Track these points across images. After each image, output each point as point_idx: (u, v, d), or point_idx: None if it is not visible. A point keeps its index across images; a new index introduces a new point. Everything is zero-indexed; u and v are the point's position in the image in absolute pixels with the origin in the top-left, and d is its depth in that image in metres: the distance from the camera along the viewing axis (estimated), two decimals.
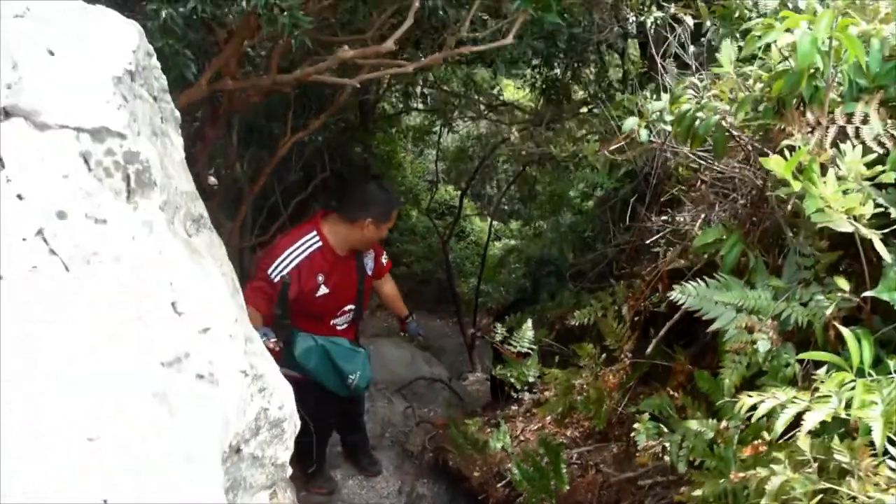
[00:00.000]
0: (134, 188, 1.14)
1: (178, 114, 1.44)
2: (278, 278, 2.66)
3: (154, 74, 1.36)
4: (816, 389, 1.43)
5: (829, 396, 1.39)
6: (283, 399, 1.27)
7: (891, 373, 1.60)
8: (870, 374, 1.60)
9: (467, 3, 2.50)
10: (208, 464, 1.02)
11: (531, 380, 3.63)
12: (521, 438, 3.36)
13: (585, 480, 2.82)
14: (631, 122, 2.64)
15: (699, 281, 1.99)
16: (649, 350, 2.70)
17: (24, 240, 1.08)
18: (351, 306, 3.02)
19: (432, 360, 6.07)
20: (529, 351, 3.62)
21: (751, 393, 1.52)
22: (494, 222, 11.41)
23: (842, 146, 1.66)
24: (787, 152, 1.85)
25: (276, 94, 3.52)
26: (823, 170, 1.74)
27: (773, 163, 1.72)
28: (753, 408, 1.51)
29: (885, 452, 1.27)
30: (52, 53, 1.15)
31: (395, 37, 2.25)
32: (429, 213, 10.30)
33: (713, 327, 1.93)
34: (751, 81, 2.21)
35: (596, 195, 4.76)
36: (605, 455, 2.88)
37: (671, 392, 2.81)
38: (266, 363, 1.24)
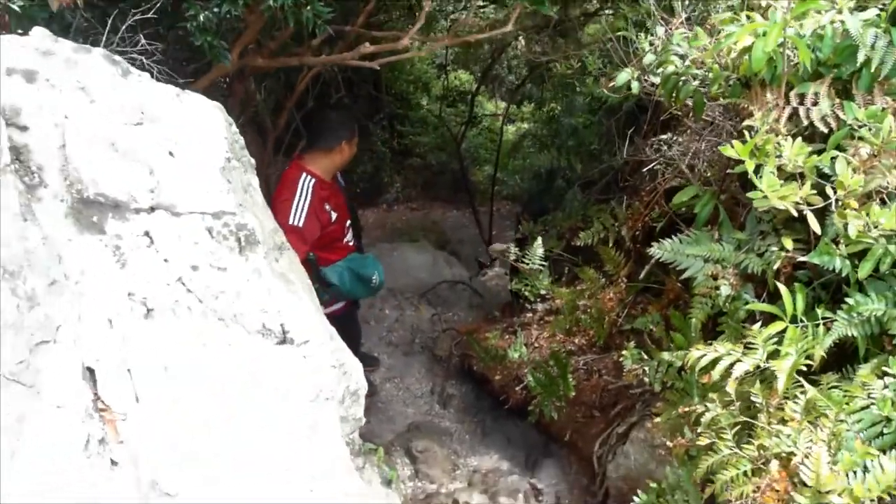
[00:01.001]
0: (244, 246, 1.66)
1: (253, 161, 1.92)
2: (302, 222, 3.18)
3: (236, 140, 1.83)
4: (748, 342, 1.98)
5: (757, 349, 1.94)
6: (357, 376, 1.84)
7: (818, 320, 2.13)
8: (802, 321, 2.14)
9: None
10: (329, 430, 1.61)
11: (543, 292, 4.22)
12: (536, 345, 3.99)
13: (590, 384, 3.46)
14: (623, 77, 3.02)
15: (673, 237, 2.49)
16: (642, 275, 3.23)
17: (167, 284, 1.63)
18: (349, 221, 3.60)
19: (452, 261, 6.66)
20: (541, 266, 4.18)
21: (699, 346, 2.06)
22: (505, 104, 11.63)
23: (781, 141, 2.09)
24: (746, 133, 2.29)
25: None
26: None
27: (732, 150, 2.17)
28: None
29: (790, 394, 1.83)
30: (172, 155, 1.64)
31: (411, 33, 2.62)
32: (442, 102, 10.55)
33: (684, 276, 2.45)
34: (724, 55, 2.57)
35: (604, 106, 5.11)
36: (607, 362, 3.50)
37: (663, 310, 3.39)
38: (345, 354, 1.80)
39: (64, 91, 1.64)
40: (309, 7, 2.66)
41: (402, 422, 4.17)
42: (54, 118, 1.62)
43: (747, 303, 2.40)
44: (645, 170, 4.14)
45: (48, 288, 1.53)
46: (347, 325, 3.71)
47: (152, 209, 1.58)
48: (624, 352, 2.64)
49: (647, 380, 2.50)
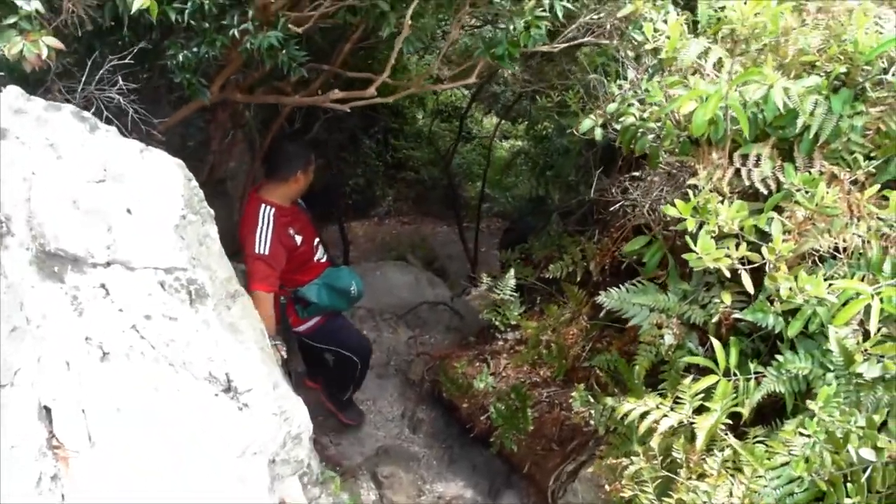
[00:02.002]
0: (194, 298, 1.79)
1: (212, 211, 2.05)
2: (267, 250, 3.32)
3: (195, 195, 1.96)
4: (678, 396, 2.11)
5: (684, 404, 2.07)
6: (300, 420, 1.97)
7: (751, 373, 2.26)
8: (735, 374, 2.27)
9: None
10: (258, 479, 1.74)
11: (513, 322, 4.35)
12: (503, 375, 4.12)
13: (551, 417, 3.59)
14: (587, 124, 3.16)
15: (620, 287, 2.63)
16: (601, 315, 3.36)
17: (122, 331, 1.76)
18: (317, 239, 3.75)
19: (436, 281, 6.78)
20: (512, 297, 4.31)
21: (632, 399, 2.19)
22: (500, 122, 11.77)
23: (717, 206, 2.23)
24: (690, 192, 2.42)
25: None
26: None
27: (674, 210, 2.30)
28: None
29: (710, 450, 1.96)
30: (130, 212, 1.77)
31: (377, 84, 2.77)
32: (436, 117, 10.71)
33: (630, 324, 2.59)
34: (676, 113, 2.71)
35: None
36: (567, 396, 3.62)
37: (624, 347, 3.52)
38: (288, 400, 1.93)
39: (33, 148, 1.77)
40: (284, 51, 2.80)
41: (372, 444, 4.29)
42: (23, 173, 1.75)
43: (690, 352, 2.54)
44: (614, 207, 4.30)
45: (9, 335, 1.66)
46: (335, 331, 3.85)
47: (108, 264, 1.71)
48: (573, 392, 2.77)
49: (592, 422, 2.63)
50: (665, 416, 2.04)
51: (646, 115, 2.86)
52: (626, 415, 2.40)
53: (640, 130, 2.85)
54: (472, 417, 3.99)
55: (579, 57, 5.28)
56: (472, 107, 10.25)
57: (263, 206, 3.38)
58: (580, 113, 4.72)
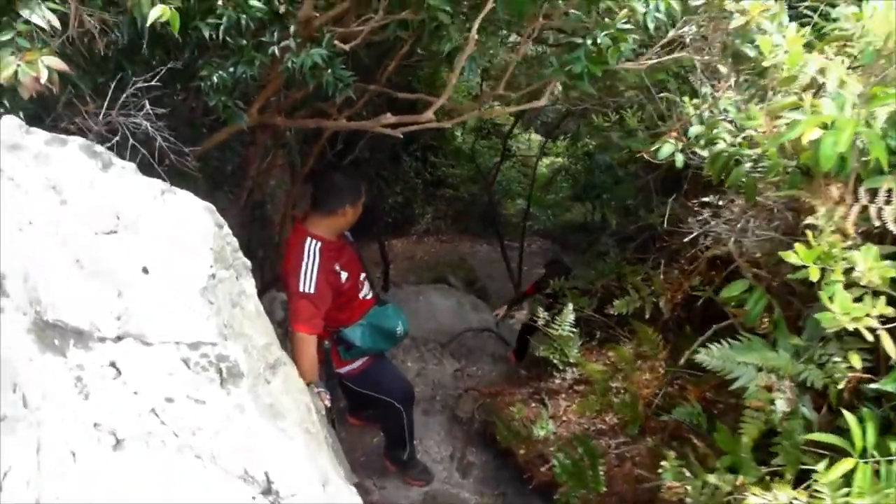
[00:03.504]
0: (225, 378, 1.40)
1: (248, 263, 1.67)
2: (313, 289, 2.95)
3: (228, 243, 1.58)
4: (815, 489, 1.66)
5: (823, 499, 1.62)
6: None
7: (891, 454, 1.81)
8: (873, 456, 1.82)
9: None
10: None
11: (573, 360, 3.92)
12: (563, 419, 3.69)
13: (622, 472, 3.14)
14: (667, 150, 2.73)
15: (722, 342, 2.19)
16: (682, 361, 2.91)
17: (139, 415, 1.37)
18: (363, 274, 3.36)
19: (479, 304, 6.37)
20: (571, 333, 3.88)
21: (747, 478, 1.75)
22: (540, 138, 11.33)
23: (854, 254, 1.79)
24: (809, 233, 1.98)
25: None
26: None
27: (795, 255, 1.87)
28: None
29: None
30: (146, 271, 1.39)
31: (435, 107, 2.39)
32: (474, 134, 10.33)
33: (735, 386, 2.14)
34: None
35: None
36: (640, 448, 3.18)
37: (702, 395, 3.07)
38: (340, 498, 1.53)
39: (31, 192, 1.41)
40: (329, 70, 2.44)
41: (419, 489, 3.88)
42: (18, 223, 1.39)
43: (806, 420, 2.09)
44: (688, 237, 3.85)
45: None
46: (377, 376, 3.46)
47: (119, 338, 1.33)
48: (664, 463, 2.32)
49: (688, 501, 2.19)
50: None
51: (738, 140, 2.43)
52: (749, 482, 1.97)
53: (734, 158, 2.42)
54: (529, 466, 3.56)
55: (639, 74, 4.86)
56: (515, 124, 9.86)
57: (309, 240, 3.01)
58: (641, 132, 4.32)
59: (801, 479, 1.97)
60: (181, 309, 1.36)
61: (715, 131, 2.49)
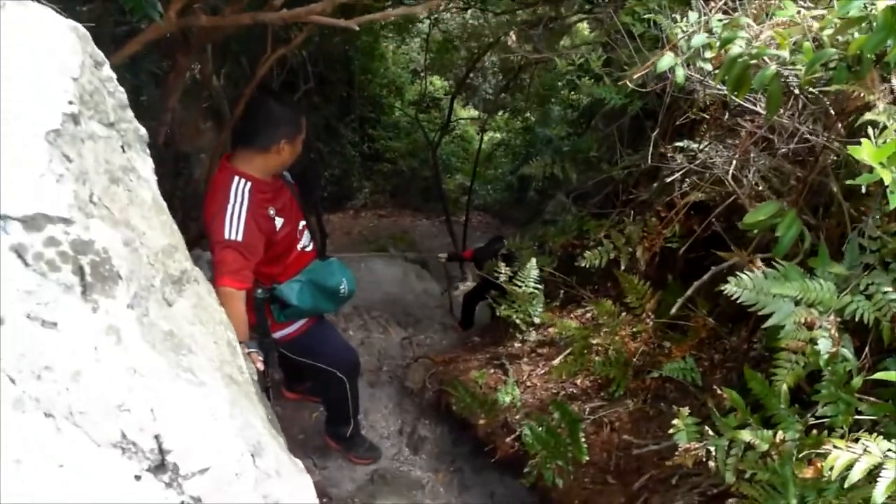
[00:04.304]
0: (91, 283, 0.84)
1: (143, 132, 1.10)
2: (241, 236, 2.39)
3: (107, 90, 1.01)
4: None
5: None
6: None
7: None
8: None
9: None
10: None
11: (537, 320, 3.46)
12: (528, 384, 3.22)
13: (599, 440, 2.70)
14: (667, 61, 2.27)
15: (754, 271, 1.74)
16: (674, 309, 2.48)
17: None
18: (302, 221, 2.79)
19: (423, 274, 5.87)
20: (535, 290, 3.42)
21: (836, 442, 1.31)
22: (480, 113, 10.89)
23: None
24: (870, 131, 1.56)
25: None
26: None
27: (863, 150, 1.43)
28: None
29: None
30: None
31: None
32: (415, 108, 9.78)
33: (769, 323, 1.71)
34: (819, 30, 1.84)
35: (601, 111, 4.39)
36: (620, 412, 2.74)
37: (687, 352, 2.65)
38: (283, 479, 0.98)
39: None
40: None
41: (366, 468, 3.35)
42: None
43: (846, 360, 1.67)
44: (658, 172, 3.43)
45: None
46: (316, 342, 2.90)
47: None
48: (675, 421, 1.86)
49: (711, 464, 1.74)
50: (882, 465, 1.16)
51: (759, 41, 2.00)
52: (784, 455, 1.53)
53: (752, 62, 1.98)
54: (491, 437, 3.08)
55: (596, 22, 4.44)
56: (457, 93, 9.36)
57: (237, 179, 2.42)
58: (605, 78, 3.88)
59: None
60: (13, 162, 0.79)
61: (731, 34, 2.03)
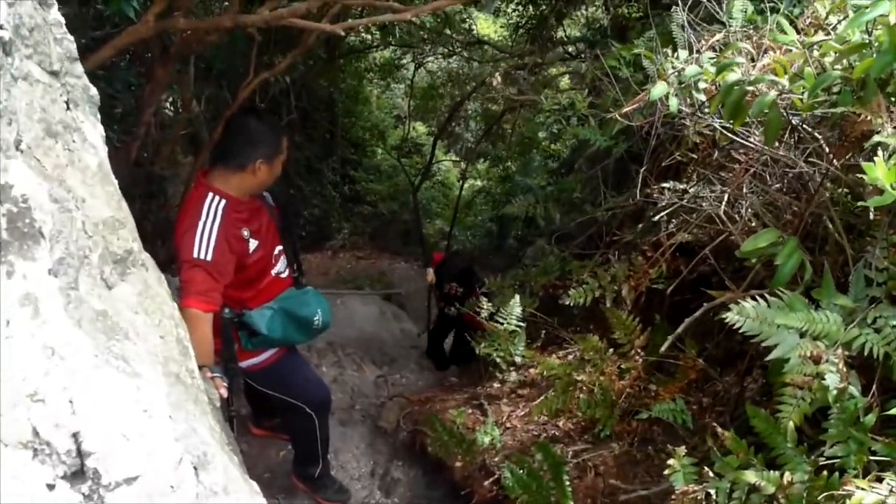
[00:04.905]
0: (6, 240, 0.67)
1: (94, 92, 0.95)
2: (210, 255, 2.22)
3: (53, 36, 0.86)
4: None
5: None
6: None
7: None
8: None
9: None
10: None
11: (518, 360, 3.29)
12: (508, 426, 3.03)
13: (583, 484, 2.51)
14: (660, 90, 2.20)
15: (757, 299, 1.62)
16: (664, 348, 2.34)
17: None
18: (279, 246, 2.61)
19: (400, 315, 5.69)
20: (518, 328, 3.26)
21: (859, 483, 1.16)
22: (461, 160, 10.90)
23: None
24: (880, 153, 1.46)
25: (238, 30, 2.95)
26: None
27: (878, 169, 1.33)
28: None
29: None
30: None
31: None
32: (396, 152, 9.76)
33: (773, 355, 1.57)
34: (821, 57, 1.77)
35: (585, 154, 4.33)
36: (605, 455, 2.56)
37: (676, 394, 2.50)
38: (227, 497, 0.81)
39: None
40: None
41: None
42: None
43: (853, 398, 1.54)
44: (644, 213, 3.34)
45: None
46: (286, 374, 2.69)
47: None
48: (671, 462, 1.70)
49: None
50: None
51: (757, 68, 1.92)
52: (798, 480, 1.37)
53: (749, 89, 1.90)
54: (468, 480, 2.87)
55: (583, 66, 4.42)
56: (439, 137, 9.36)
57: (211, 195, 2.25)
58: (589, 119, 3.83)
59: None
60: None
61: (728, 61, 1.95)
